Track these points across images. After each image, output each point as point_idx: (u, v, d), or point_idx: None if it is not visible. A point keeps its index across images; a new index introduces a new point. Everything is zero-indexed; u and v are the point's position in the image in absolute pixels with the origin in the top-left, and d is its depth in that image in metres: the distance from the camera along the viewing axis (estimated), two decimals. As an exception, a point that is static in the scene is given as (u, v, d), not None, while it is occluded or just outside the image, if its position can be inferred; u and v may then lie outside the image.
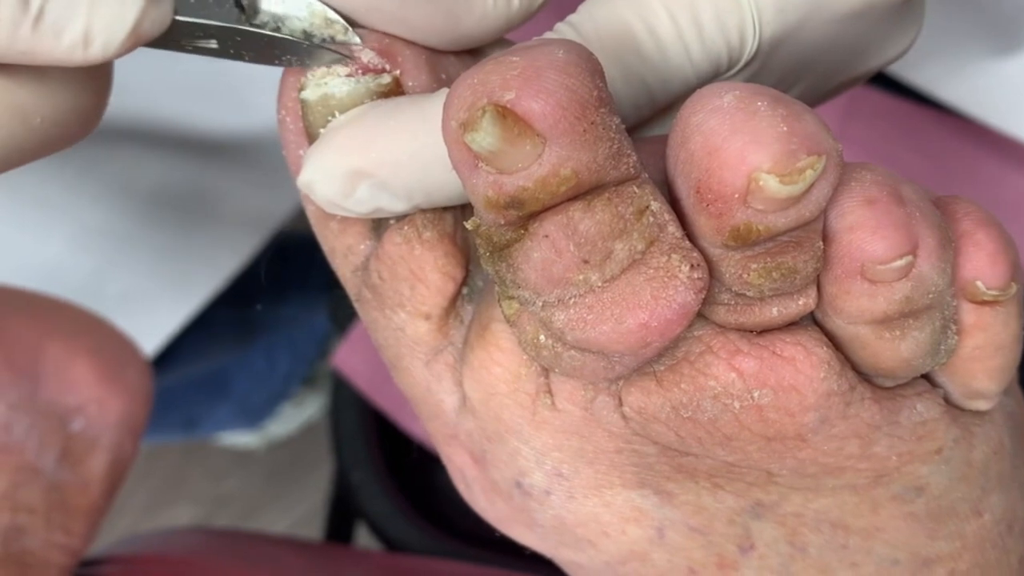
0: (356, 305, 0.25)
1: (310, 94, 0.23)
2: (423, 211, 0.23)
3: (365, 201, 0.22)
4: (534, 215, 0.19)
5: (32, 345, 0.39)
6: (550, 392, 0.22)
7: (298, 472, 1.05)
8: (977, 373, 0.22)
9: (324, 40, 0.22)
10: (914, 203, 0.20)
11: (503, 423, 0.23)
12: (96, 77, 0.21)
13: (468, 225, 0.20)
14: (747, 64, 0.23)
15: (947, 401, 0.23)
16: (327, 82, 0.22)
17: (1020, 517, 0.24)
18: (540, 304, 0.20)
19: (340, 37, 0.22)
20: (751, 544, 0.23)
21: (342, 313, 0.60)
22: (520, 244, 0.19)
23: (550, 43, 0.19)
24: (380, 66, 0.22)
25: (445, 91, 0.22)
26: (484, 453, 0.24)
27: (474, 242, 0.21)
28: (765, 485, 0.22)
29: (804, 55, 0.24)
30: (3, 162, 0.21)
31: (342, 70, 0.22)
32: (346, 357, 0.58)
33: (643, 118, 0.23)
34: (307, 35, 0.22)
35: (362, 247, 0.24)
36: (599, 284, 0.19)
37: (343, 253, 0.24)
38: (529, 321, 0.21)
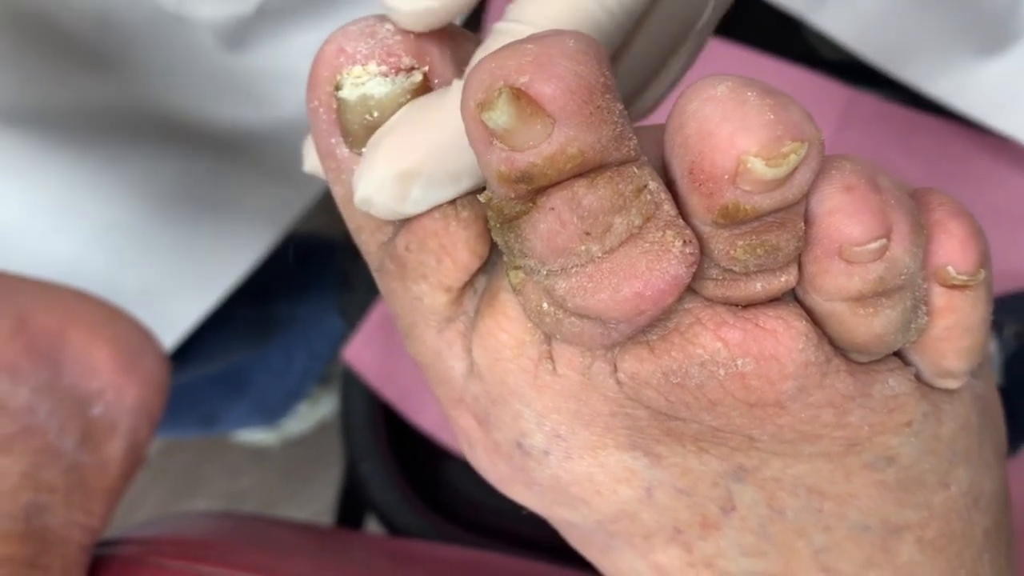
0: (375, 275, 0.26)
1: (348, 94, 0.24)
2: None
3: (420, 200, 0.23)
4: (542, 189, 0.21)
5: (55, 333, 0.40)
6: (551, 358, 0.24)
7: (312, 469, 1.05)
8: (947, 353, 0.24)
9: None
10: (889, 191, 0.22)
11: (507, 386, 0.24)
12: None
13: (481, 198, 0.22)
14: None
15: (918, 379, 0.24)
16: (364, 82, 0.23)
17: (986, 492, 0.26)
18: (544, 273, 0.22)
19: None
20: (733, 506, 0.24)
21: (352, 309, 0.61)
22: (528, 216, 0.21)
23: (561, 33, 0.20)
24: (411, 65, 0.24)
25: (461, 82, 0.23)
26: (488, 415, 0.25)
27: (486, 214, 0.22)
28: (747, 450, 0.24)
29: None
30: None
31: (375, 69, 0.23)
32: (356, 351, 0.59)
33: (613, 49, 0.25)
34: None
35: (390, 225, 0.25)
36: (599, 255, 0.21)
37: (371, 230, 0.25)
38: (533, 290, 0.22)
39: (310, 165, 0.27)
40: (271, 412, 0.94)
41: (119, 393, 0.41)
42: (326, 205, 0.63)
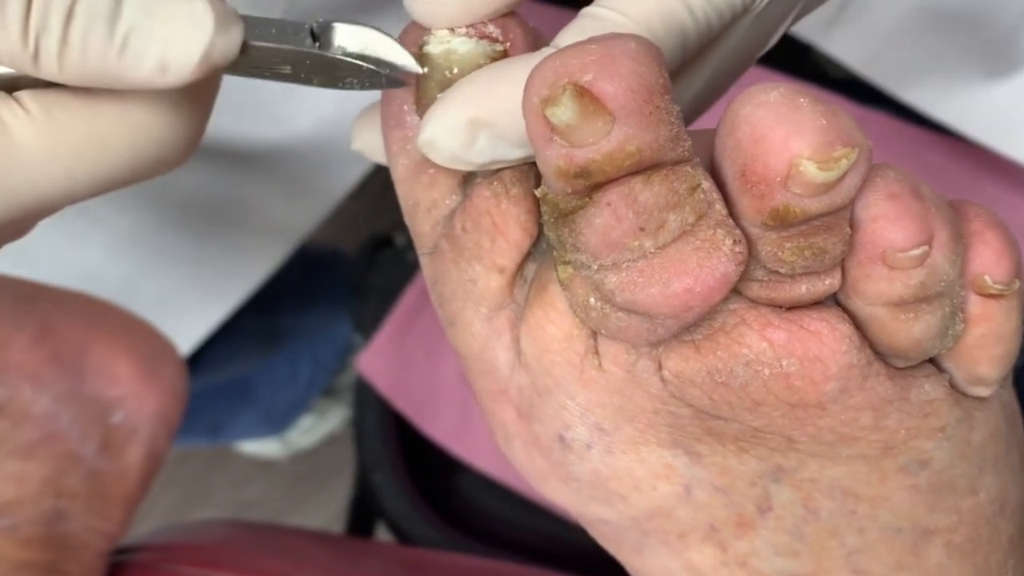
0: (426, 259, 0.27)
1: (434, 48, 0.24)
2: (510, 168, 0.25)
3: (484, 151, 0.24)
4: (598, 186, 0.21)
5: (78, 342, 0.40)
6: (597, 353, 0.24)
7: (319, 481, 1.06)
8: (981, 360, 0.24)
9: (385, 65, 0.24)
10: (931, 200, 0.23)
11: (553, 378, 0.25)
12: (181, 111, 0.22)
13: (537, 193, 0.23)
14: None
15: (952, 386, 0.25)
16: (450, 40, 0.24)
17: (1011, 500, 0.27)
18: (595, 268, 0.22)
19: (400, 62, 0.24)
20: (769, 506, 0.25)
21: (366, 320, 0.61)
22: (584, 211, 0.22)
23: (623, 36, 0.21)
24: (496, 35, 0.25)
25: (547, 50, 0.24)
26: (531, 407, 0.26)
27: (541, 209, 0.23)
28: (786, 451, 0.24)
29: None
30: (87, 189, 0.23)
31: (462, 31, 0.24)
32: (369, 362, 0.60)
33: (689, 57, 0.25)
34: (370, 60, 0.24)
35: (448, 201, 0.26)
36: (651, 250, 0.22)
37: (427, 207, 0.26)
38: (581, 285, 0.23)
39: (360, 143, 0.28)
40: (276, 422, 0.94)
41: (139, 401, 0.41)
42: (335, 216, 0.63)
